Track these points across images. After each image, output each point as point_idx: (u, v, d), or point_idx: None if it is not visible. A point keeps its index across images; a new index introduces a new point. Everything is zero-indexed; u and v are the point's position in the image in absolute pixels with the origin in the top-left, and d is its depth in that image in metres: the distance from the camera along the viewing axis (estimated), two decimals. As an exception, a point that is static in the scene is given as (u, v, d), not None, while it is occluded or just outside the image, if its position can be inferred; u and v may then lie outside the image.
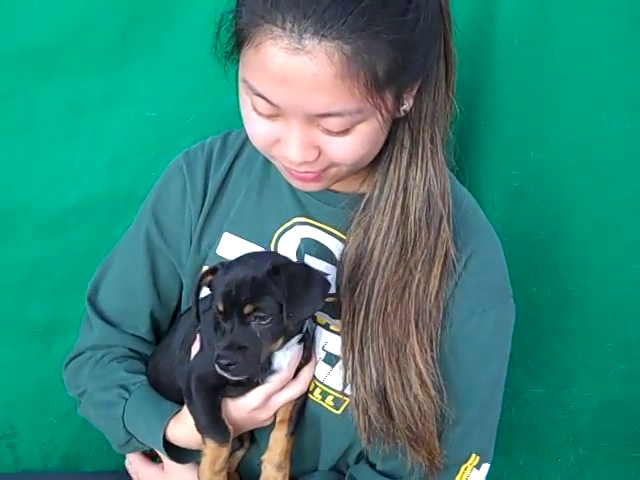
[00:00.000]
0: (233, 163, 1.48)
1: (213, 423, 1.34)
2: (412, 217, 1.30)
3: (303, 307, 1.25)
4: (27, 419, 1.93)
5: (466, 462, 1.42)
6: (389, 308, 1.32)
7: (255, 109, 1.22)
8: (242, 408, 1.37)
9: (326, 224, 1.41)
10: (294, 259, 1.41)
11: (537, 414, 2.01)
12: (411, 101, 1.26)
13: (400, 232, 1.30)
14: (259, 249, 1.42)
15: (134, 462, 1.57)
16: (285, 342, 1.30)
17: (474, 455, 1.42)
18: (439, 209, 1.31)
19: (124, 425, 1.43)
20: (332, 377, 1.40)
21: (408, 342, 1.32)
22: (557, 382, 1.98)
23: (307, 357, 1.38)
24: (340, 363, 1.38)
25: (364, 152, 1.25)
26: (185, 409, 1.39)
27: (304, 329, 1.35)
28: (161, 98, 1.73)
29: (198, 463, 1.38)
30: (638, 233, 1.81)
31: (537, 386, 1.99)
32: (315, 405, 1.42)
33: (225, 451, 1.33)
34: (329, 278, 1.35)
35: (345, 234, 1.39)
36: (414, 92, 1.25)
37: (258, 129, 1.25)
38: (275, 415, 1.41)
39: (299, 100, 1.15)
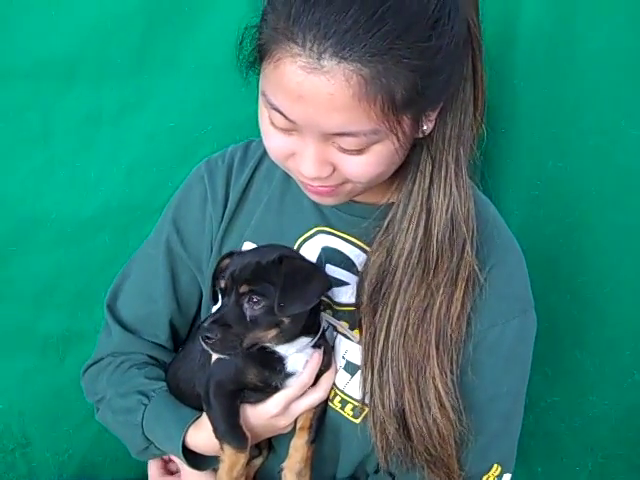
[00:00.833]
0: (254, 172, 1.50)
1: (231, 429, 1.35)
2: (435, 240, 1.31)
3: (295, 301, 1.26)
4: (41, 429, 1.94)
5: (488, 472, 1.44)
6: (410, 330, 1.33)
7: (272, 122, 1.24)
8: (262, 415, 1.39)
9: (347, 233, 1.43)
10: None
11: (555, 422, 2.03)
12: (431, 124, 1.27)
13: (423, 254, 1.32)
14: None
15: (152, 473, 1.58)
16: (283, 338, 1.31)
17: (496, 465, 1.44)
18: (463, 232, 1.32)
19: (143, 431, 1.45)
20: (352, 386, 1.42)
21: (428, 364, 1.34)
22: (575, 390, 2.00)
23: (327, 364, 1.40)
24: (360, 372, 1.40)
25: (379, 172, 1.26)
26: (204, 416, 1.40)
27: (319, 332, 1.36)
28: (178, 108, 1.74)
29: (215, 470, 1.40)
30: (658, 242, 1.82)
31: (555, 394, 2.01)
32: (334, 413, 1.44)
33: (243, 458, 1.35)
34: (349, 287, 1.39)
35: (366, 244, 1.41)
36: (435, 114, 1.26)
37: (274, 142, 1.27)
38: (295, 422, 1.43)
39: (315, 118, 1.17)
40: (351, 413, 1.42)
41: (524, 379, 1.46)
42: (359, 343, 1.40)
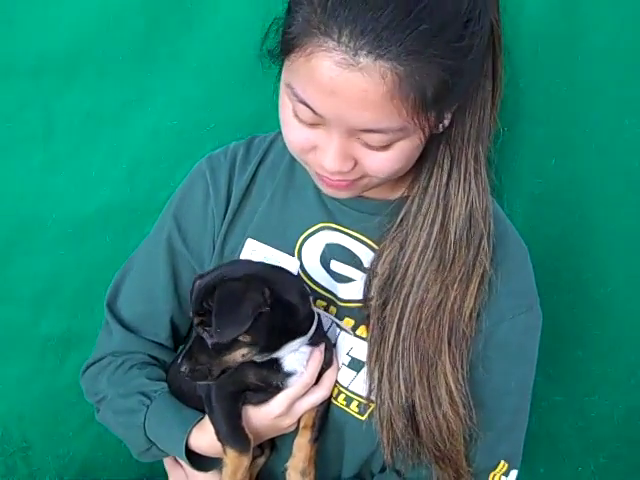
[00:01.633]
0: (257, 169, 1.50)
1: (233, 432, 1.35)
2: (452, 236, 1.33)
3: (229, 324, 1.24)
4: (42, 432, 1.94)
5: (495, 469, 1.44)
6: (422, 325, 1.34)
7: (296, 115, 1.24)
8: (265, 415, 1.39)
9: (353, 230, 1.43)
10: (318, 265, 1.44)
11: (558, 422, 2.04)
12: (448, 119, 1.29)
13: (438, 249, 1.33)
14: (282, 255, 1.44)
15: (165, 463, 1.58)
16: (260, 353, 1.30)
17: (503, 462, 1.45)
18: (480, 229, 1.34)
19: (145, 433, 1.45)
20: (357, 383, 1.42)
21: (440, 360, 1.34)
22: (578, 390, 2.01)
23: (329, 361, 1.40)
24: (365, 369, 1.40)
25: (399, 167, 1.28)
26: (207, 417, 1.40)
27: (311, 331, 1.34)
28: (180, 106, 1.75)
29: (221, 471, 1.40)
30: (662, 241, 1.84)
31: (558, 394, 2.02)
32: (339, 411, 1.44)
33: (246, 460, 1.35)
34: (355, 284, 1.39)
35: (373, 241, 1.42)
36: (453, 109, 1.28)
37: (297, 135, 1.28)
38: (298, 421, 1.43)
39: (345, 113, 1.18)
40: (356, 410, 1.43)
41: (531, 374, 1.47)
42: (365, 339, 1.40)
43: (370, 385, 1.40)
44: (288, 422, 1.41)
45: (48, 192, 1.76)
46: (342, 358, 1.43)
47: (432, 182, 1.33)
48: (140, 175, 1.77)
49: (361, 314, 1.41)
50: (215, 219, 1.50)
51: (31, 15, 1.65)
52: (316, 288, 1.44)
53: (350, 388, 1.43)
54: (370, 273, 1.40)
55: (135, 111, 1.74)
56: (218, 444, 1.37)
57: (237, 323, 1.24)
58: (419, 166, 1.35)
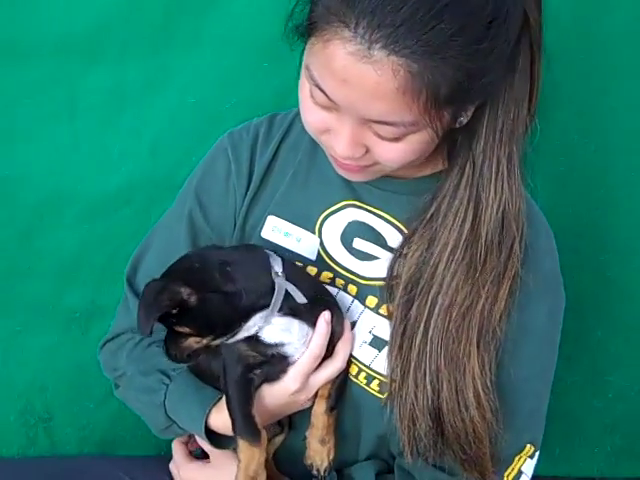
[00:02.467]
0: (279, 145, 1.50)
1: (244, 421, 1.36)
2: (483, 237, 1.30)
3: (139, 324, 1.27)
4: (64, 403, 1.98)
5: (521, 452, 1.45)
6: (451, 326, 1.33)
7: (312, 97, 1.26)
8: (281, 393, 1.39)
9: (378, 208, 1.43)
10: (338, 243, 1.44)
11: (575, 402, 2.06)
12: (467, 117, 1.27)
13: (468, 250, 1.31)
14: (303, 232, 1.46)
15: (176, 456, 1.59)
16: (218, 337, 1.31)
17: (529, 445, 1.45)
18: (512, 231, 1.32)
19: (165, 411, 1.46)
20: (379, 361, 1.41)
21: (469, 363, 1.33)
22: (596, 370, 2.03)
23: (339, 333, 1.40)
24: (387, 348, 1.40)
25: (411, 159, 1.28)
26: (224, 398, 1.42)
27: (272, 303, 1.32)
28: (202, 84, 1.78)
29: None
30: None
31: (575, 374, 2.04)
32: (359, 389, 1.44)
33: (257, 453, 1.34)
34: (379, 261, 1.41)
35: (398, 220, 1.43)
36: (474, 107, 1.27)
37: (312, 116, 1.29)
38: (315, 395, 1.43)
39: (356, 103, 1.18)
40: (377, 389, 1.42)
41: (554, 357, 1.47)
42: (389, 318, 1.41)
43: (391, 386, 1.39)
44: (304, 397, 1.41)
45: (72, 168, 1.80)
46: (364, 336, 1.43)
47: (463, 181, 1.31)
48: (162, 151, 1.81)
49: (385, 293, 1.42)
50: (237, 195, 1.50)
51: (55, -5, 1.69)
52: (335, 267, 1.44)
53: (372, 367, 1.43)
54: (396, 253, 1.40)
55: (157, 89, 1.77)
56: None
57: (142, 322, 1.26)
58: (451, 163, 1.35)
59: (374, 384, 1.43)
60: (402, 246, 1.41)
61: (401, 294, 1.37)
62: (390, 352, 1.39)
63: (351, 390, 1.45)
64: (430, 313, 1.34)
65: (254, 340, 1.34)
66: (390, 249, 1.43)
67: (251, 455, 1.34)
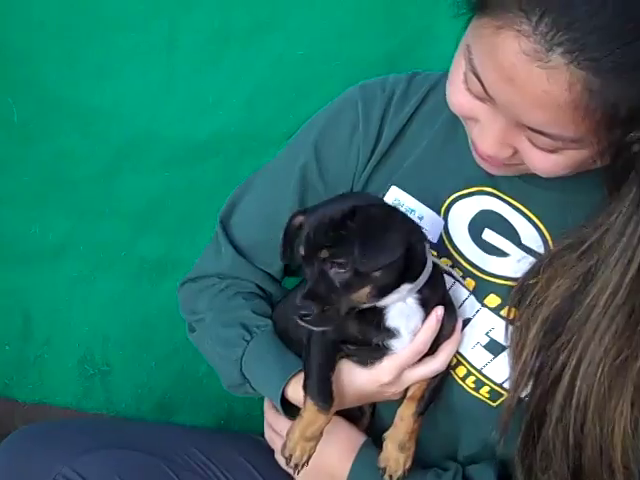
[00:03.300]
0: (416, 110, 1.39)
1: (319, 383, 1.29)
2: None
3: (378, 254, 1.16)
4: (124, 358, 1.96)
5: None
6: (603, 380, 1.20)
7: (466, 82, 1.15)
8: (372, 381, 1.32)
9: (517, 201, 1.32)
10: (465, 231, 1.34)
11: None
12: None
13: (631, 296, 1.17)
14: (427, 210, 1.35)
15: (269, 413, 1.51)
16: (379, 293, 1.23)
17: None
18: None
19: (241, 368, 1.40)
20: (493, 367, 1.32)
21: (619, 423, 1.22)
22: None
23: (448, 332, 1.32)
24: (505, 354, 1.31)
25: (565, 172, 1.17)
26: None
27: (420, 277, 1.26)
28: (311, 36, 1.71)
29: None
30: None
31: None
32: (463, 393, 1.35)
33: (322, 419, 1.28)
34: (508, 259, 1.30)
35: (538, 217, 1.31)
36: None
37: (460, 99, 1.18)
38: (406, 390, 1.35)
39: (517, 106, 1.08)
40: (487, 396, 1.33)
41: None
42: (510, 321, 1.31)
43: (527, 433, 1.29)
44: (394, 390, 1.34)
45: (163, 109, 1.76)
46: (479, 337, 1.34)
47: (636, 215, 1.16)
48: (260, 102, 1.75)
49: (514, 296, 1.30)
50: (360, 157, 1.41)
51: None
52: (455, 255, 1.35)
53: (484, 372, 1.34)
54: (539, 256, 1.29)
55: (263, 35, 1.72)
56: None
57: (388, 250, 1.16)
58: (623, 189, 1.18)
59: (484, 390, 1.34)
60: (545, 252, 1.29)
61: (539, 328, 1.25)
62: (532, 397, 1.28)
63: (452, 392, 1.36)
64: (579, 361, 1.22)
65: (371, 319, 1.27)
66: (524, 248, 1.32)
67: (314, 419, 1.27)
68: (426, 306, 1.27)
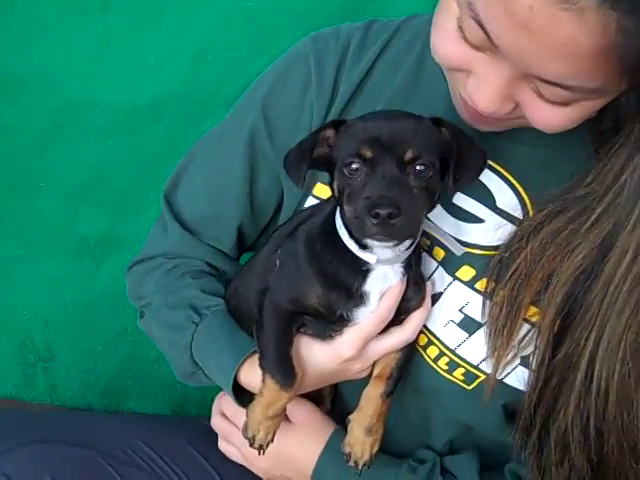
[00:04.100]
0: (375, 62, 1.31)
1: (278, 358, 1.22)
2: None
3: (466, 170, 1.10)
4: (68, 343, 1.90)
5: None
6: (624, 358, 1.13)
7: (461, 29, 1.05)
8: (332, 357, 1.24)
9: (491, 159, 1.23)
10: None
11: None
12: None
13: None
14: None
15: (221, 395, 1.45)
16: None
17: None
18: None
19: (191, 355, 1.33)
20: (467, 347, 1.25)
21: None
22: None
23: (418, 302, 1.24)
24: (481, 332, 1.24)
25: (571, 126, 1.09)
26: None
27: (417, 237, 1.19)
28: (262, -17, 1.62)
29: None
30: None
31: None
32: (434, 375, 1.29)
33: (285, 397, 1.21)
34: (483, 225, 1.22)
35: (514, 177, 1.23)
36: None
37: (451, 50, 1.08)
38: (372, 368, 1.28)
39: (531, 56, 0.98)
40: (462, 378, 1.27)
41: None
42: (486, 295, 1.23)
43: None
44: (359, 367, 1.26)
45: (100, 72, 1.69)
46: (451, 314, 1.26)
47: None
48: (207, 63, 1.68)
49: (490, 266, 1.22)
50: (313, 116, 1.32)
51: None
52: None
53: (458, 352, 1.26)
54: (519, 222, 1.21)
55: (208, -16, 1.63)
56: None
57: (475, 171, 1.13)
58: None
59: (458, 372, 1.27)
60: (526, 215, 1.21)
61: (556, 311, 1.17)
62: (533, 384, 1.21)
63: (423, 374, 1.29)
64: (598, 341, 1.14)
65: (351, 281, 1.18)
66: (501, 213, 1.24)
67: (276, 397, 1.20)
68: (407, 275, 1.20)
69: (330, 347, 1.23)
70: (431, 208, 1.14)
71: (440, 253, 1.26)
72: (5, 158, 1.76)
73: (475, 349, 1.24)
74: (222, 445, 1.43)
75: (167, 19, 1.66)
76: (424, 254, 1.26)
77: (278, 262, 1.24)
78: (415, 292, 1.22)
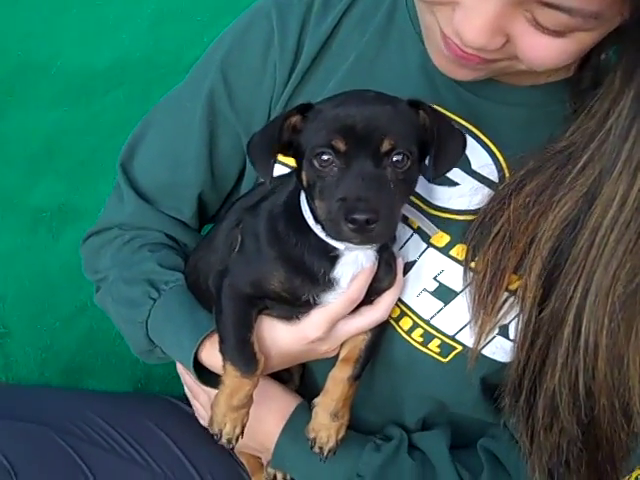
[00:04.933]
0: (342, 18, 1.27)
1: (239, 345, 1.18)
2: None
3: (446, 156, 1.06)
4: (24, 318, 1.88)
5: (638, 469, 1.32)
6: (612, 311, 1.12)
7: None
8: (297, 338, 1.21)
9: (465, 119, 1.21)
10: None
11: None
12: None
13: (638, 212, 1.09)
14: None
15: (186, 378, 1.41)
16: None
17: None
18: None
19: (147, 332, 1.29)
20: (443, 317, 1.23)
21: (637, 359, 1.14)
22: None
23: (390, 282, 1.20)
24: (457, 301, 1.22)
25: (564, 61, 1.06)
26: None
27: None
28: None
29: None
30: None
31: None
32: (409, 348, 1.26)
33: (248, 385, 1.18)
34: (458, 190, 1.19)
35: (490, 139, 1.21)
36: None
37: None
38: (340, 349, 1.25)
39: None
40: (437, 350, 1.25)
41: None
42: (461, 262, 1.21)
43: (524, 373, 1.20)
44: (326, 348, 1.23)
45: (54, 35, 1.66)
46: (425, 282, 1.23)
47: (627, 104, 1.07)
48: (168, 25, 1.66)
49: (468, 231, 1.20)
50: (277, 76, 1.29)
51: None
52: None
53: (433, 322, 1.24)
54: (496, 185, 1.19)
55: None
56: None
57: (454, 159, 1.08)
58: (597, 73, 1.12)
59: (433, 344, 1.24)
60: (502, 176, 1.19)
61: (543, 266, 1.16)
62: (519, 341, 1.19)
63: (395, 348, 1.26)
64: (584, 295, 1.13)
65: (319, 267, 1.14)
66: (476, 176, 1.21)
67: (239, 385, 1.17)
68: (380, 257, 1.17)
69: (296, 328, 1.20)
70: (408, 198, 1.10)
71: (414, 220, 1.24)
72: (-46, 127, 1.72)
73: (451, 319, 1.22)
74: (192, 402, 1.41)
75: (125, -23, 1.63)
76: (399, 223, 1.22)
77: (239, 241, 1.20)
78: (387, 272, 1.19)
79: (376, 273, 1.17)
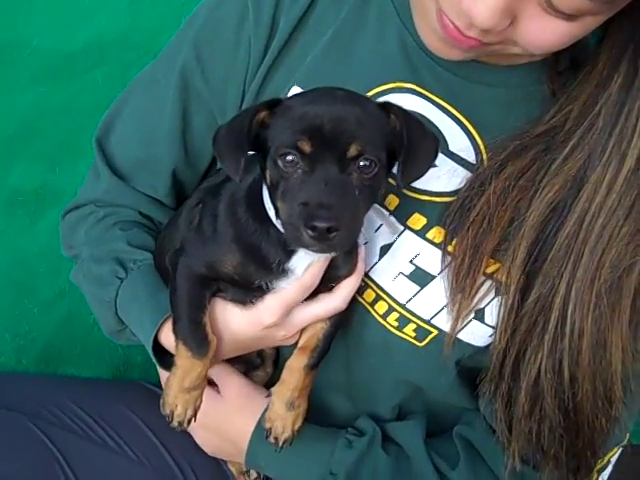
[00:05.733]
0: None
1: (191, 325, 1.18)
2: None
3: (417, 162, 1.05)
4: (2, 304, 1.85)
5: (619, 444, 1.33)
6: (598, 297, 1.14)
7: None
8: (252, 323, 1.21)
9: (443, 99, 1.21)
10: None
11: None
12: None
13: (628, 194, 1.10)
14: None
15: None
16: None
17: (616, 448, 1.34)
18: None
19: (116, 311, 1.30)
20: (419, 301, 1.23)
21: (614, 344, 1.16)
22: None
23: (350, 270, 1.20)
24: (434, 284, 1.22)
25: (564, 45, 1.07)
26: None
27: None
28: None
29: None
30: None
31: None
32: (384, 332, 1.26)
33: (199, 367, 1.18)
34: (435, 172, 1.19)
35: (468, 119, 1.21)
36: None
37: None
38: (300, 336, 1.25)
39: None
40: (413, 335, 1.25)
41: None
42: (439, 245, 1.22)
43: (506, 355, 1.21)
44: (283, 334, 1.23)
45: (30, 14, 1.63)
46: (401, 266, 1.24)
47: (629, 101, 1.10)
48: (146, 5, 1.64)
49: (446, 213, 1.20)
50: (252, 52, 1.29)
51: None
52: None
53: (409, 306, 1.24)
54: (475, 167, 1.19)
55: None
56: None
57: (426, 164, 1.07)
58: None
59: (409, 328, 1.25)
60: (479, 160, 1.19)
61: (527, 251, 1.16)
62: (501, 327, 1.20)
63: (369, 332, 1.27)
64: (571, 281, 1.14)
65: (275, 256, 1.14)
66: (455, 157, 1.21)
67: (190, 366, 1.17)
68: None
69: (250, 313, 1.20)
70: (372, 205, 1.09)
71: (394, 201, 1.23)
72: None
73: (427, 303, 1.22)
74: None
75: (102, -43, 1.60)
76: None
77: (197, 220, 1.21)
78: (346, 260, 1.18)
79: (334, 260, 1.17)
